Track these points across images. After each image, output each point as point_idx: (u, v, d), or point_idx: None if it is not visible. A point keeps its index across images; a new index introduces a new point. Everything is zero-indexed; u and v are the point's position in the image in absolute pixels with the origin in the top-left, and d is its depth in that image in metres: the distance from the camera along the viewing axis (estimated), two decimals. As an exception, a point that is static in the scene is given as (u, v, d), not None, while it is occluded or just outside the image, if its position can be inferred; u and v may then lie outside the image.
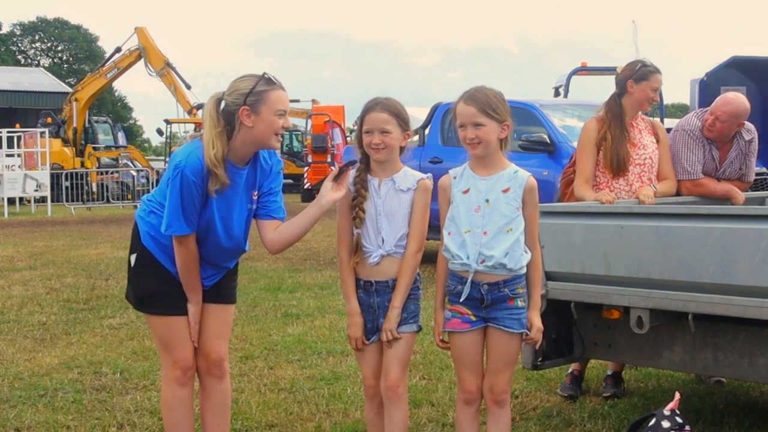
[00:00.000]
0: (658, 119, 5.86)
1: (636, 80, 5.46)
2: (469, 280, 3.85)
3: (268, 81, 3.83)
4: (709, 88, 11.41)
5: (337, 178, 3.97)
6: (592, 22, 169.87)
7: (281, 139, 3.93)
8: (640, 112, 5.58)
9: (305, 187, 29.48)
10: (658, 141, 5.58)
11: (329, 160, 28.06)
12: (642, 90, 5.45)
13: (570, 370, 5.66)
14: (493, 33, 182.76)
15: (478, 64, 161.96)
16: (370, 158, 3.99)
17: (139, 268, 4.04)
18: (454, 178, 3.97)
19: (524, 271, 3.89)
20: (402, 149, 4.00)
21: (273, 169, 4.07)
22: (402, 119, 3.94)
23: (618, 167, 5.38)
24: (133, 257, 4.05)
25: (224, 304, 4.18)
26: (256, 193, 4.03)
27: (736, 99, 5.59)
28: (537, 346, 4.25)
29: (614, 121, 5.45)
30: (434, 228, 4.08)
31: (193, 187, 3.80)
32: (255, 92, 3.80)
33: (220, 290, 4.14)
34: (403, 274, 3.95)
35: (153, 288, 4.01)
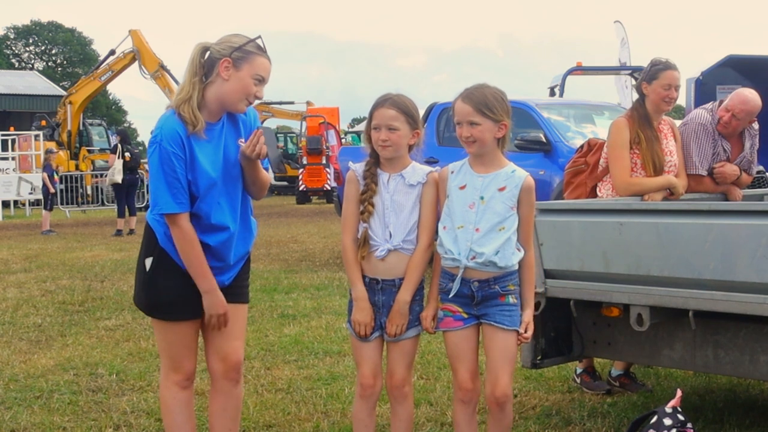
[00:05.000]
0: (671, 119, 5.80)
1: (648, 81, 5.42)
2: (459, 276, 3.83)
3: (259, 47, 3.77)
4: (704, 87, 11.46)
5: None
6: (579, 23, 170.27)
7: (248, 106, 3.81)
8: (663, 115, 5.55)
9: (300, 189, 29.46)
10: (676, 140, 5.58)
11: (324, 161, 28.04)
12: (654, 90, 5.40)
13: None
14: (478, 34, 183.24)
15: (464, 66, 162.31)
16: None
17: (155, 272, 3.83)
18: (452, 172, 3.95)
19: (516, 268, 3.86)
20: (411, 147, 3.96)
21: (253, 117, 3.96)
22: (411, 116, 3.90)
23: (658, 168, 5.37)
24: (148, 261, 3.85)
25: (239, 303, 4.02)
26: (242, 140, 3.87)
27: (752, 97, 5.60)
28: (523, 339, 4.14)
29: (643, 121, 5.42)
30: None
31: (172, 158, 3.66)
32: (244, 50, 3.72)
33: (234, 289, 3.99)
34: (413, 268, 3.91)
35: (171, 293, 3.81)
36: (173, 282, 3.81)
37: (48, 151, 21.57)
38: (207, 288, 3.81)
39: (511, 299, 3.85)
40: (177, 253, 3.80)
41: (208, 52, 3.78)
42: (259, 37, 3.78)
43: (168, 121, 3.73)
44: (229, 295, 3.95)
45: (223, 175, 3.83)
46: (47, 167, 20.68)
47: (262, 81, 3.77)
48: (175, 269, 3.81)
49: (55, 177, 20.70)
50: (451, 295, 3.87)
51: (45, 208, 20.18)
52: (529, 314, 3.90)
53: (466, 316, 3.88)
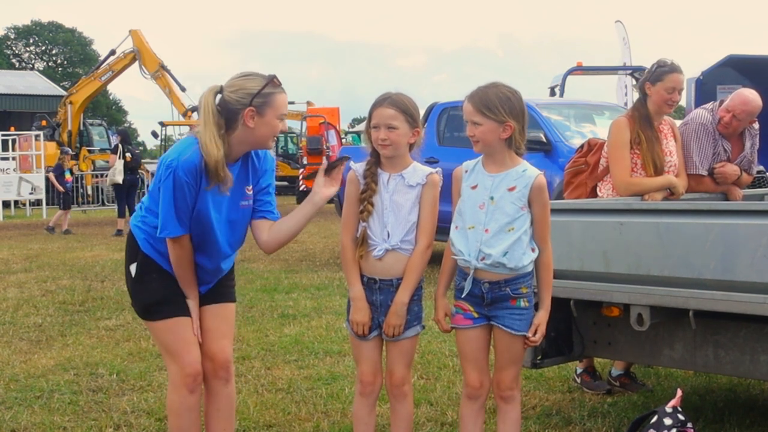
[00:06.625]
0: (671, 119, 5.79)
1: (652, 82, 5.40)
2: (470, 276, 3.82)
3: (274, 84, 3.79)
4: (705, 86, 11.46)
5: (329, 172, 3.95)
6: (579, 23, 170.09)
7: (275, 140, 3.94)
8: (664, 116, 5.54)
9: (300, 189, 29.45)
10: (676, 140, 5.57)
11: (324, 161, 28.04)
12: (658, 92, 5.38)
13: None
14: (478, 34, 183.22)
15: (464, 66, 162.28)
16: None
17: (141, 276, 3.93)
18: (466, 171, 3.94)
19: (528, 270, 3.83)
20: (411, 146, 3.95)
21: (267, 166, 4.02)
22: (410, 115, 3.89)
23: (658, 168, 5.37)
24: (133, 267, 3.94)
25: (224, 303, 4.08)
26: (250, 188, 3.96)
27: (753, 98, 5.59)
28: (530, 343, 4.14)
29: (643, 121, 5.41)
30: (441, 230, 3.95)
31: (185, 187, 3.72)
32: (263, 94, 3.75)
33: (219, 290, 4.06)
34: (411, 270, 3.90)
35: (159, 293, 3.91)
36: (160, 283, 3.90)
37: (63, 152, 21.57)
38: (191, 297, 3.98)
39: (523, 303, 3.82)
40: (159, 257, 3.91)
41: (218, 98, 3.78)
42: (273, 76, 3.80)
43: (188, 150, 3.74)
44: (215, 294, 4.05)
45: (227, 216, 3.91)
46: (56, 167, 20.70)
47: (285, 116, 3.86)
48: (159, 271, 3.91)
49: (68, 176, 20.64)
50: (463, 295, 3.87)
51: (60, 207, 20.11)
52: (541, 316, 3.86)
53: (476, 315, 3.86)
